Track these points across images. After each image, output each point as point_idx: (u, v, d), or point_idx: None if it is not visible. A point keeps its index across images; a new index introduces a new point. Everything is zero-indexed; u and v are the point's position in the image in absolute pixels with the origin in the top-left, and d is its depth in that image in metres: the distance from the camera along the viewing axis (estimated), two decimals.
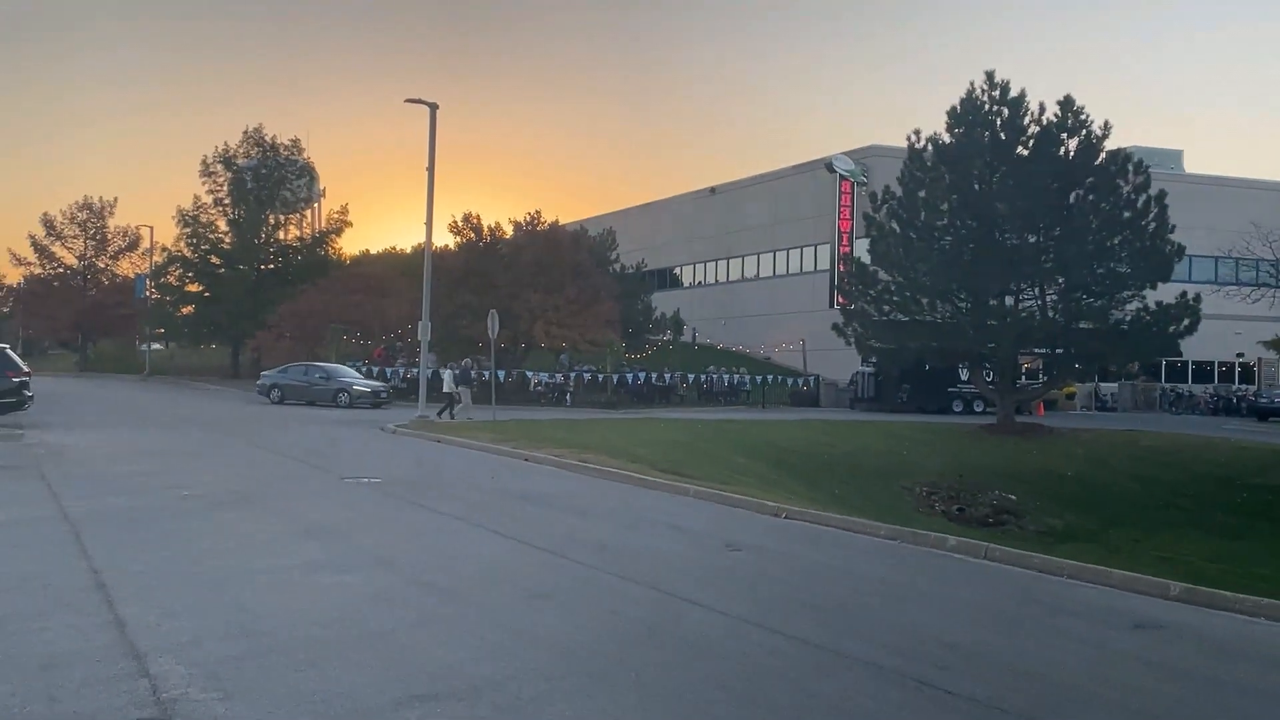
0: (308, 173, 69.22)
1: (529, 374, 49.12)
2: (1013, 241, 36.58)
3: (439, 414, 34.75)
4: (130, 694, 6.55)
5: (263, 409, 40.50)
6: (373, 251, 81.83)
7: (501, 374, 43.05)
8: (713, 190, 70.88)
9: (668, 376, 51.35)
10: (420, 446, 26.42)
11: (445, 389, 37.12)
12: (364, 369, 46.42)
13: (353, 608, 9.14)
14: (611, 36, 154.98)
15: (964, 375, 46.18)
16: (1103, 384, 56.53)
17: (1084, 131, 36.55)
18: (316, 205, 71.04)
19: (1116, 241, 36.29)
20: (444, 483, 18.81)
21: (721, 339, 62.84)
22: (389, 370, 48.41)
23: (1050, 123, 36.58)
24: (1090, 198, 36.30)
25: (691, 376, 52.25)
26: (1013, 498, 28.81)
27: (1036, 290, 37.78)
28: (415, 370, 40.42)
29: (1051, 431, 38.46)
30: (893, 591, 11.25)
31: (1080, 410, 54.14)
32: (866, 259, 39.67)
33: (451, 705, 6.58)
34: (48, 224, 78.21)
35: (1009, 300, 37.81)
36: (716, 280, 69.68)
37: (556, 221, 57.42)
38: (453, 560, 11.61)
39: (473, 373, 39.91)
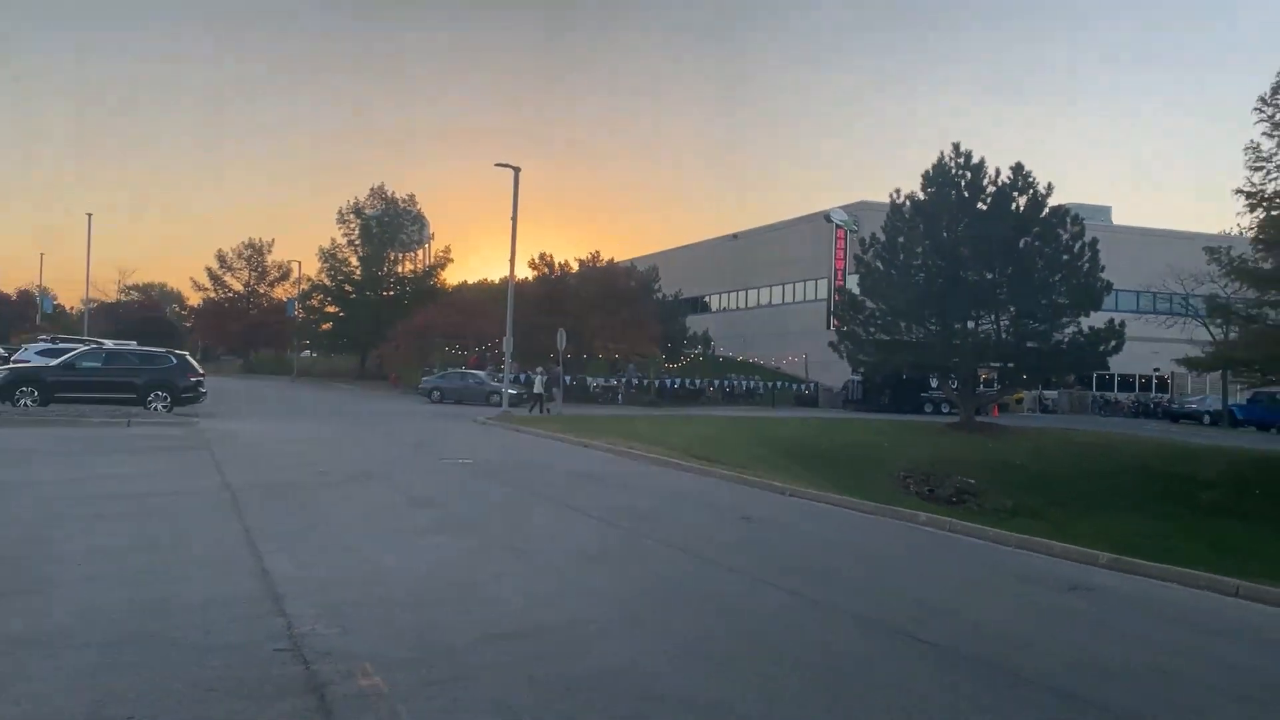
0: (420, 220, 69.75)
1: (589, 379, 49.06)
2: (974, 278, 36.09)
3: (530, 409, 34.87)
4: (268, 630, 6.54)
5: (384, 403, 40.75)
6: (469, 281, 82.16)
7: (568, 378, 43.07)
8: (734, 236, 70.69)
9: (698, 382, 51.12)
10: (503, 435, 26.42)
11: (535, 390, 37.32)
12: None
13: (446, 562, 9.11)
14: (655, 116, 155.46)
15: (934, 383, 45.64)
16: (1045, 391, 55.77)
17: (1031, 191, 36.10)
18: (426, 245, 71.49)
19: (1057, 278, 35.80)
20: (519, 464, 18.78)
21: (740, 352, 62.51)
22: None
23: (1004, 184, 36.16)
24: (1036, 243, 35.84)
25: (717, 382, 51.99)
26: (973, 481, 28.32)
27: (993, 316, 37.25)
28: (501, 375, 40.51)
29: (1004, 429, 37.91)
30: (874, 557, 11.07)
31: (1027, 412, 53.36)
32: (856, 291, 39.42)
33: (521, 643, 6.52)
34: (221, 259, 79.57)
35: (971, 324, 37.33)
36: (737, 306, 69.38)
37: (612, 259, 57.56)
38: (524, 525, 11.56)
39: (561, 377, 40.47)
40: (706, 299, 72.39)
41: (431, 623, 6.88)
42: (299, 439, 22.15)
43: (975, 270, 36.19)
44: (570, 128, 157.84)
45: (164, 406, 26.30)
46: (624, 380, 49.29)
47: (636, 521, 12.08)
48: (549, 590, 8.18)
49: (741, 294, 69.02)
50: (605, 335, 49.22)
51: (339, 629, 6.59)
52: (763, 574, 9.22)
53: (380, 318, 60.99)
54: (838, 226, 57.15)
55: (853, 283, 43.94)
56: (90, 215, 55.34)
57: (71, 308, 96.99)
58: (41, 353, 32.24)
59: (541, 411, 34.81)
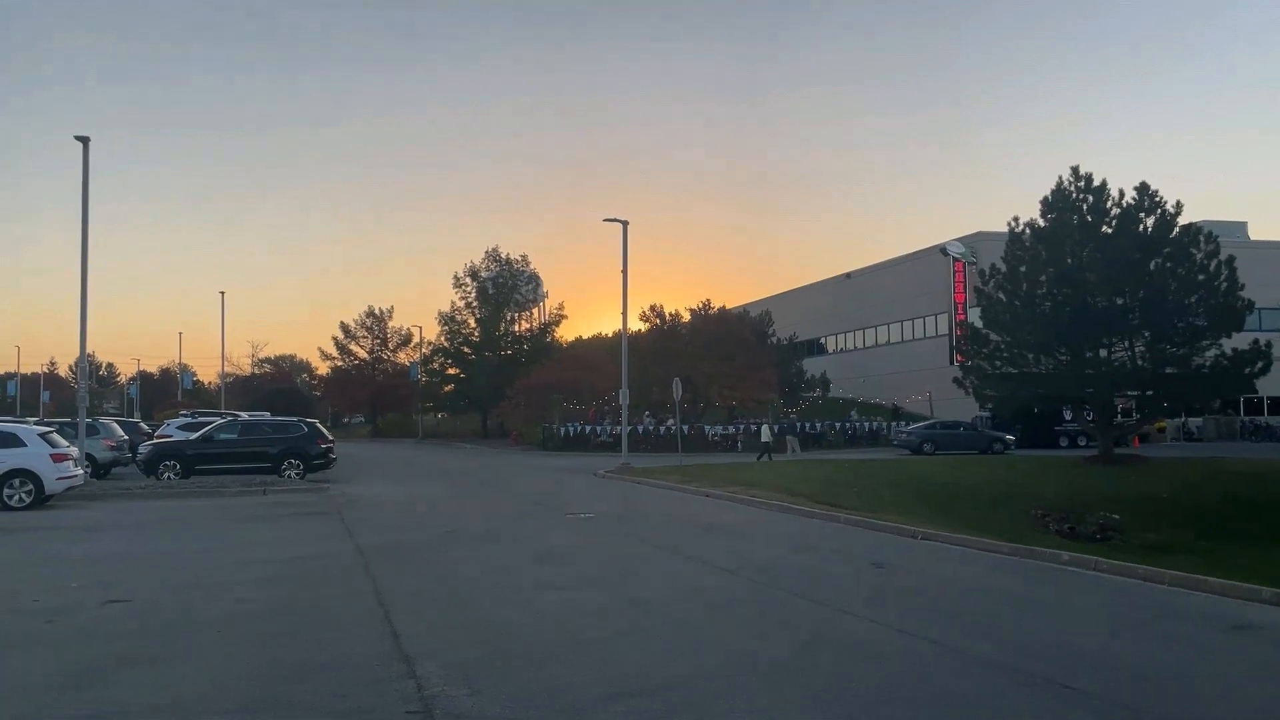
0: (534, 279, 71.22)
1: (706, 427, 48.84)
2: (1103, 304, 34.68)
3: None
4: (400, 692, 6.58)
5: (506, 461, 41.27)
6: (584, 336, 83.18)
7: (684, 427, 42.95)
8: (848, 275, 69.87)
9: (819, 425, 50.32)
10: (623, 487, 26.42)
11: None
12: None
13: (571, 620, 9.06)
14: (759, 160, 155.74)
15: (1067, 416, 43.89)
16: (1189, 418, 52.94)
17: (1159, 211, 34.59)
18: (541, 303, 72.85)
19: (1193, 300, 34.06)
20: (642, 516, 18.70)
21: (861, 394, 61.41)
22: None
23: (1129, 205, 34.75)
24: (1168, 265, 34.21)
25: (838, 425, 51.09)
26: (1116, 517, 26.93)
27: (1126, 343, 35.61)
28: (618, 427, 40.67)
29: (1147, 461, 36.06)
30: (1017, 601, 10.54)
31: (1170, 441, 50.76)
32: (979, 324, 38.25)
33: (647, 701, 6.39)
34: (345, 329, 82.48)
35: (1103, 352, 35.78)
36: (854, 347, 68.36)
37: (724, 306, 57.64)
38: (649, 580, 11.43)
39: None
40: (822, 341, 71.59)
41: (559, 681, 6.82)
42: (425, 500, 22.58)
43: (1104, 296, 34.77)
44: (676, 176, 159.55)
45: (297, 474, 27.19)
46: (743, 428, 48.89)
47: (763, 571, 11.84)
48: (677, 645, 8.03)
49: (858, 334, 68.01)
50: (721, 383, 49.03)
51: (468, 690, 6.59)
52: (900, 623, 8.88)
53: (499, 377, 62.19)
54: (955, 259, 55.94)
55: (974, 316, 42.71)
56: (223, 293, 58.05)
57: (209, 382, 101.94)
58: (182, 427, 33.86)
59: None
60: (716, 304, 56.00)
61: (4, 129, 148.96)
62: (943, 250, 56.61)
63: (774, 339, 60.91)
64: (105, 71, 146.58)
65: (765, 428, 39.22)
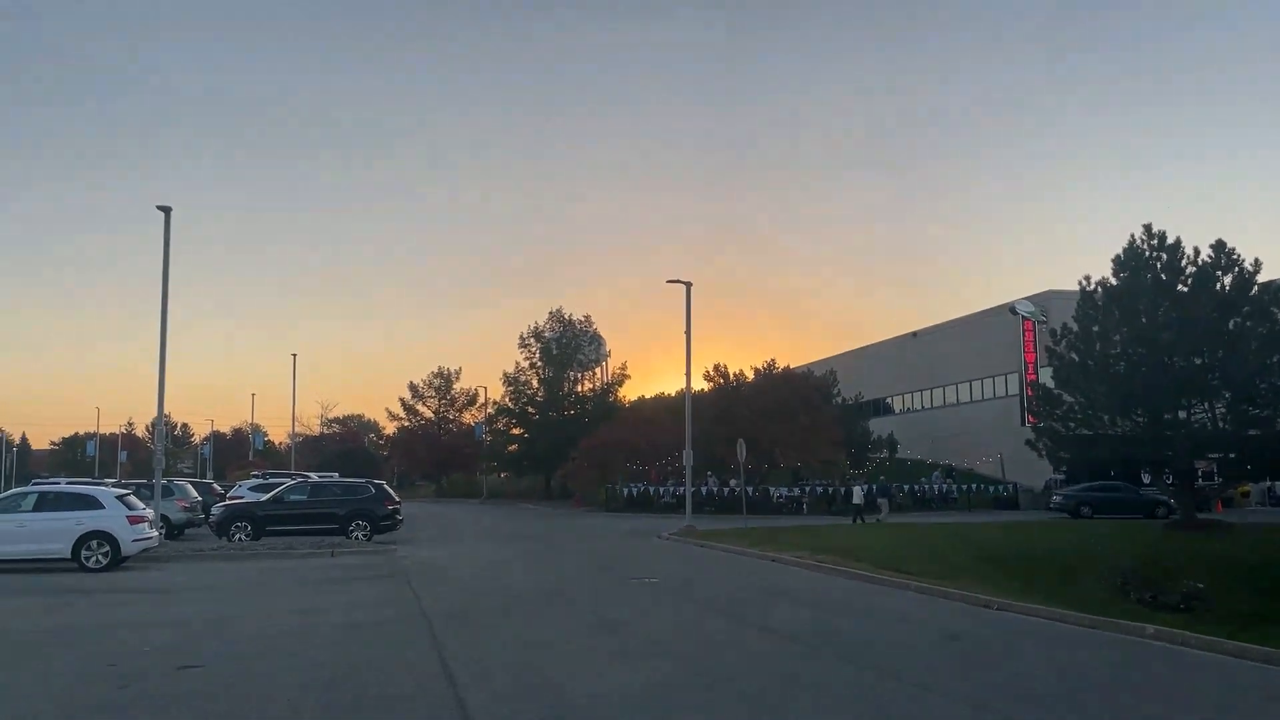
0: (596, 339, 71.66)
1: (771, 489, 48.33)
2: (1181, 364, 33.76)
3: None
4: None
5: (570, 522, 41.19)
6: (646, 396, 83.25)
7: (749, 490, 42.56)
8: (915, 334, 69.14)
9: (869, 487, 49.48)
10: (687, 551, 26.17)
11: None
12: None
13: (637, 690, 8.92)
14: (823, 218, 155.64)
15: (1146, 479, 42.62)
16: (1275, 482, 51.03)
17: (1236, 269, 33.73)
18: (604, 363, 73.19)
19: (1276, 360, 33.03)
20: (707, 582, 18.47)
21: (929, 455, 60.35)
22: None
23: (1205, 263, 33.94)
24: (1248, 324, 33.29)
25: (906, 487, 50.19)
26: (1201, 586, 25.90)
27: (1206, 405, 34.52)
28: (682, 488, 40.43)
29: (1231, 526, 34.70)
30: (1101, 677, 10.12)
31: (1255, 506, 48.93)
32: (1051, 384, 37.52)
33: None
34: (413, 389, 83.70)
35: (1182, 414, 34.74)
36: (922, 407, 67.35)
37: (788, 365, 57.25)
38: (715, 648, 11.23)
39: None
40: (889, 401, 70.71)
41: None
42: (489, 562, 22.60)
43: (1182, 356, 33.86)
44: (739, 236, 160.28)
45: (364, 535, 27.45)
46: (808, 489, 48.28)
47: (834, 641, 11.58)
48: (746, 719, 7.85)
49: (925, 394, 67.06)
50: (785, 444, 48.60)
51: None
52: (981, 699, 8.58)
53: (562, 437, 62.39)
54: (1024, 318, 55.08)
55: (1045, 376, 41.92)
56: (295, 355, 59.41)
57: (280, 443, 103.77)
58: (254, 488, 34.49)
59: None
60: (781, 364, 55.67)
61: (88, 197, 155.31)
62: (1011, 309, 55.85)
63: (839, 399, 60.32)
64: (183, 141, 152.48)
65: (858, 489, 39.57)
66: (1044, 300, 54.67)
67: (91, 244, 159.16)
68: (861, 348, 76.20)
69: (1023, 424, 48.67)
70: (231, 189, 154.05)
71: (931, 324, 68.08)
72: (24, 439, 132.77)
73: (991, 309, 59.55)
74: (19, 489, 25.60)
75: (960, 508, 48.72)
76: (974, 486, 51.36)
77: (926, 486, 50.50)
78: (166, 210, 26.10)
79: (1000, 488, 51.71)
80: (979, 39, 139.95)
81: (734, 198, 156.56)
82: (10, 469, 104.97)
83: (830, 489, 48.04)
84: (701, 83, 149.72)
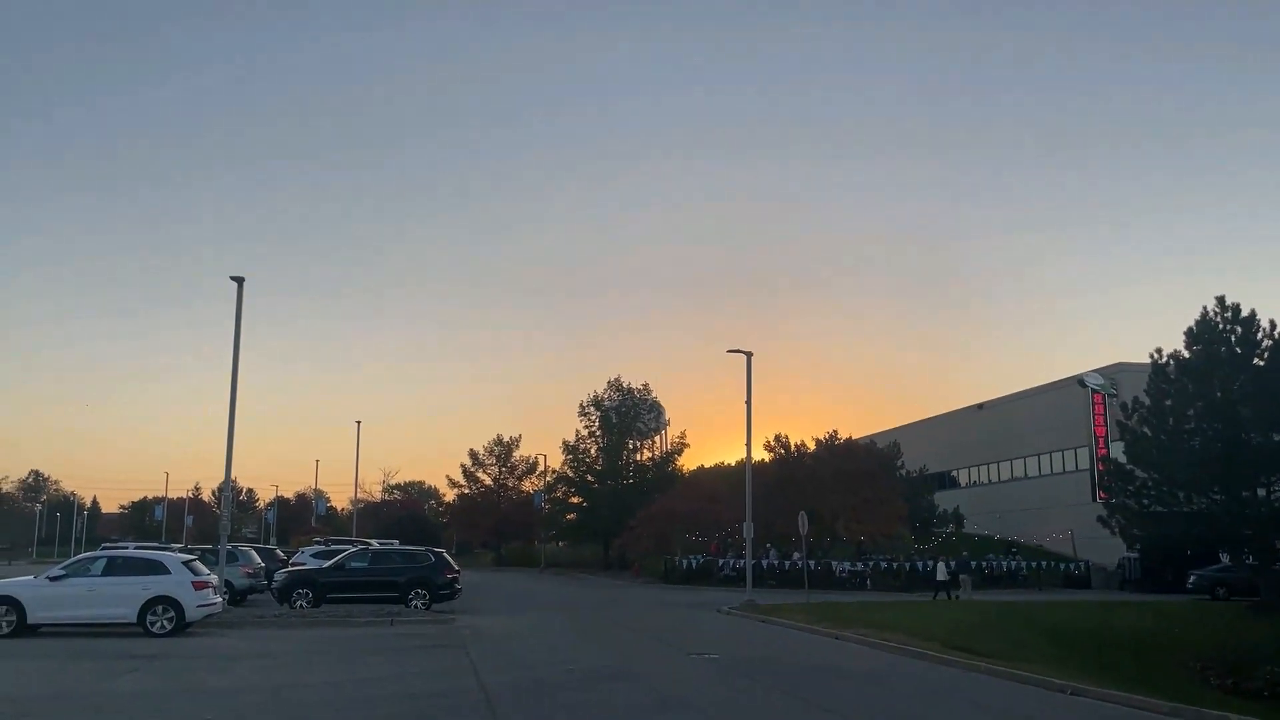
0: (656, 408, 71.67)
1: (834, 563, 47.49)
2: (1258, 440, 32.78)
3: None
4: None
5: (628, 594, 40.78)
6: (705, 465, 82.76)
7: (812, 564, 41.88)
8: (980, 406, 68.00)
9: (952, 564, 48.31)
10: (749, 626, 25.74)
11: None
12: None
13: None
14: (884, 288, 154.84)
15: (1224, 559, 41.06)
16: None
17: None
18: (663, 432, 73.08)
19: None
20: (767, 659, 18.13)
21: (997, 530, 58.90)
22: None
23: None
24: None
25: (973, 563, 48.95)
26: None
27: None
28: (742, 560, 39.91)
29: None
30: None
31: None
32: (1123, 459, 36.60)
33: None
34: (473, 456, 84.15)
35: (1261, 491, 33.63)
36: (988, 480, 65.93)
37: (850, 437, 56.65)
38: None
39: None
40: (954, 474, 69.42)
41: None
42: (548, 633, 22.46)
43: (1260, 432, 32.90)
44: (799, 303, 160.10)
45: (423, 604, 27.49)
46: (871, 564, 47.35)
47: None
48: None
49: (992, 467, 65.66)
50: (848, 516, 47.88)
51: None
52: None
53: (621, 506, 62.16)
54: (1094, 391, 53.95)
55: (1117, 450, 40.91)
56: (359, 423, 60.21)
57: (341, 509, 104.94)
58: (316, 554, 34.82)
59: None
60: (843, 434, 55.18)
61: (159, 265, 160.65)
62: (1080, 381, 54.79)
63: (903, 471, 59.40)
64: (253, 214, 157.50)
65: (941, 565, 38.83)
66: (1114, 373, 53.62)
67: (162, 311, 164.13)
68: (926, 419, 75.16)
69: (1094, 500, 47.44)
70: (298, 258, 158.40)
71: (998, 396, 67.01)
72: (94, 502, 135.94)
73: (1060, 381, 58.49)
74: (89, 554, 26.14)
75: (1029, 585, 47.33)
76: (1044, 564, 49.92)
77: (994, 562, 49.19)
78: (239, 280, 26.90)
79: (1071, 565, 50.20)
80: (1052, 101, 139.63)
81: (795, 263, 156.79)
82: (81, 532, 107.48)
83: (895, 564, 47.06)
84: (758, 144, 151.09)
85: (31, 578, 21.38)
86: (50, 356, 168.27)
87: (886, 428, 74.64)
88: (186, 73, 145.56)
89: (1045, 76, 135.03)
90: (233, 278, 26.96)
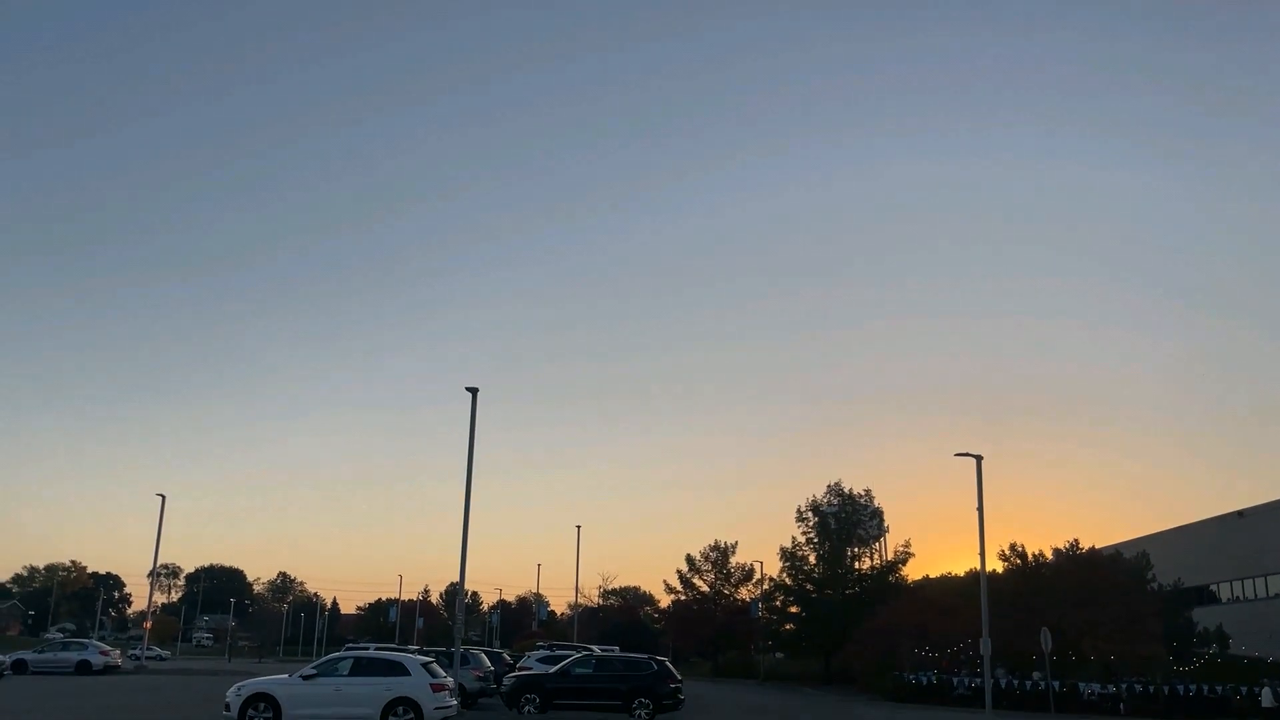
0: (877, 515, 69.39)
1: (1081, 685, 43.75)
2: None
3: None
4: None
5: (851, 709, 38.94)
6: (931, 575, 78.81)
7: (1056, 684, 38.84)
8: (1240, 514, 61.95)
9: (1219, 689, 43.47)
10: None
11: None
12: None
13: None
14: (1119, 383, 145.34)
15: None
16: None
17: None
18: (884, 540, 70.45)
19: None
20: None
21: (1270, 652, 52.76)
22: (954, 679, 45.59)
23: None
24: None
25: (1244, 689, 43.85)
26: None
27: None
28: (978, 680, 37.46)
29: None
30: None
31: None
32: None
33: None
34: (690, 561, 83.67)
35: None
36: (1255, 596, 59.45)
37: (1093, 546, 52.75)
38: None
39: None
40: (1213, 588, 63.18)
41: None
42: None
43: None
44: (1032, 399, 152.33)
45: (646, 714, 27.21)
46: (1124, 687, 43.31)
47: None
48: None
49: (1259, 581, 59.31)
50: (1093, 633, 44.21)
51: None
52: None
53: (841, 617, 60.01)
54: None
55: None
56: (579, 527, 61.47)
57: (560, 613, 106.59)
58: (541, 659, 35.30)
59: None
60: (1084, 544, 51.40)
61: (392, 376, 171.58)
62: None
63: (1153, 584, 54.59)
64: (486, 322, 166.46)
65: (1268, 690, 34.56)
66: None
67: (395, 419, 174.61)
68: (1175, 528, 69.12)
69: None
70: (525, 367, 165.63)
71: (1259, 502, 60.84)
72: (334, 604, 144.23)
73: None
74: (338, 653, 27.53)
75: None
76: None
77: (1272, 690, 43.83)
78: (474, 391, 28.28)
79: None
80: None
81: (1022, 361, 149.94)
82: (322, 632, 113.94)
83: (1152, 687, 42.89)
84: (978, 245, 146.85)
85: (286, 676, 22.62)
86: (296, 461, 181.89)
87: (1132, 537, 69.20)
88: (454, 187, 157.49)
89: None
90: (468, 389, 28.38)
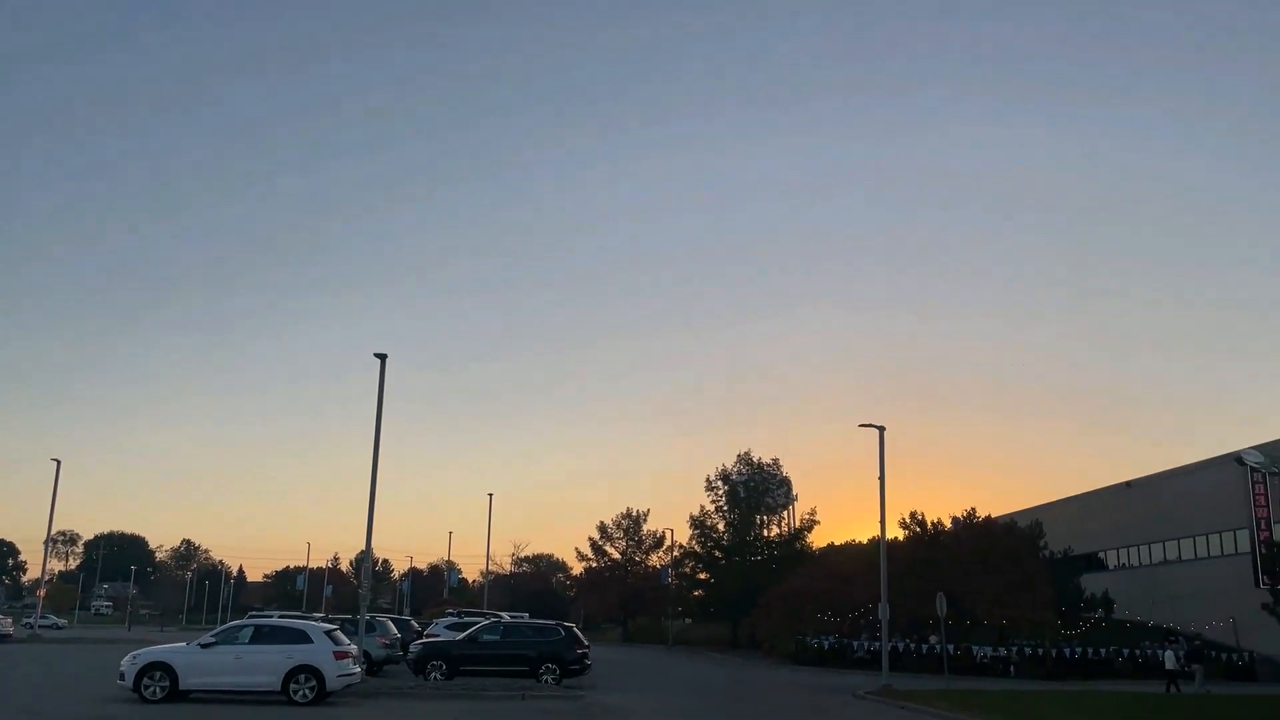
0: (785, 484, 70.62)
1: (974, 648, 45.41)
2: None
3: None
4: None
5: (757, 674, 39.78)
6: (836, 542, 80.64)
7: (950, 647, 40.19)
8: (1128, 484, 64.54)
9: (1103, 651, 45.55)
10: (887, 714, 24.73)
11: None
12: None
13: None
14: (1021, 358, 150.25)
15: None
16: None
17: None
18: (791, 508, 71.82)
19: None
20: None
21: (1150, 617, 55.33)
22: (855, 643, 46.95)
23: None
24: None
25: (1126, 651, 46.04)
26: None
27: None
28: (878, 644, 38.52)
29: None
30: None
31: None
32: None
33: None
34: (602, 529, 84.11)
35: None
36: (1139, 563, 62.11)
37: (989, 515, 54.52)
38: None
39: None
40: (1101, 555, 65.83)
41: None
42: (678, 714, 22.06)
43: None
44: (935, 379, 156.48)
45: (553, 679, 27.39)
46: (1015, 649, 45.07)
47: None
48: None
49: (1143, 549, 61.93)
50: (988, 599, 45.83)
51: None
52: None
53: (749, 583, 61.11)
54: (1253, 469, 50.62)
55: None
56: (491, 495, 61.28)
57: (472, 581, 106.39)
58: (449, 626, 35.20)
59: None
60: (981, 512, 53.13)
61: (299, 342, 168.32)
62: (1238, 459, 51.43)
63: (1046, 551, 56.64)
64: (396, 291, 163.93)
65: (1170, 653, 35.38)
66: (1274, 450, 50.28)
67: (307, 386, 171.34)
68: (1068, 498, 71.76)
69: (1258, 585, 44.38)
70: (431, 332, 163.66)
71: (1148, 473, 63.52)
72: (240, 571, 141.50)
73: (1215, 458, 55.09)
74: (238, 621, 27.02)
75: (1188, 676, 44.15)
76: (1207, 653, 46.50)
77: (1149, 650, 46.10)
78: (382, 357, 27.86)
79: (1234, 656, 46.61)
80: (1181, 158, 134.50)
81: (926, 337, 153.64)
82: (228, 599, 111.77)
83: (1041, 650, 44.72)
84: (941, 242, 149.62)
85: (184, 644, 22.14)
86: (199, 429, 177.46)
87: (1027, 506, 71.64)
88: (346, 160, 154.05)
89: None
90: (376, 354, 27.94)
